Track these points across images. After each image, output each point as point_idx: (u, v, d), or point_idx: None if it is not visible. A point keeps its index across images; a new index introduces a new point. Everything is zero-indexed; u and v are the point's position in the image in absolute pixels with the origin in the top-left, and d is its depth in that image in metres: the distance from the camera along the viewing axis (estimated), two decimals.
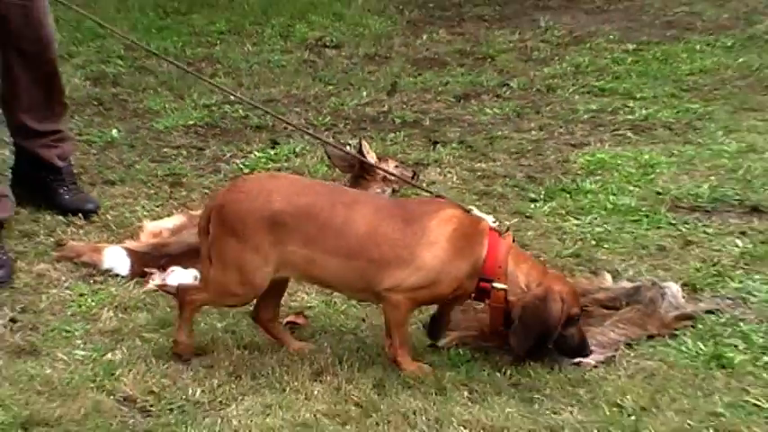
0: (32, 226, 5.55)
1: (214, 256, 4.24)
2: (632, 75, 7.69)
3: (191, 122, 6.75)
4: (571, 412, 4.08)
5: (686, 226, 5.57)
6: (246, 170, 6.25)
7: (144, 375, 4.31)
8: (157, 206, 5.84)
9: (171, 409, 4.12)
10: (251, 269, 4.15)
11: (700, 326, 4.64)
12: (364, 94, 7.39)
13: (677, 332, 4.60)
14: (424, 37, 8.56)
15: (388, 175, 5.53)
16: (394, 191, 5.62)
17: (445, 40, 8.51)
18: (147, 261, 5.12)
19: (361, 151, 5.47)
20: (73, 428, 3.98)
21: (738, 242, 5.38)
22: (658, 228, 5.57)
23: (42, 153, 5.47)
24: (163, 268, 5.07)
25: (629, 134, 6.75)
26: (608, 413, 4.06)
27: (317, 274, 4.29)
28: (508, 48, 8.29)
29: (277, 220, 4.12)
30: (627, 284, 4.84)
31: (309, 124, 6.48)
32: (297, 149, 6.39)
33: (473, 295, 4.27)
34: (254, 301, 4.47)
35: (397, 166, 5.67)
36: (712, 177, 6.09)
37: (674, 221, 5.61)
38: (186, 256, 5.05)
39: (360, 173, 5.52)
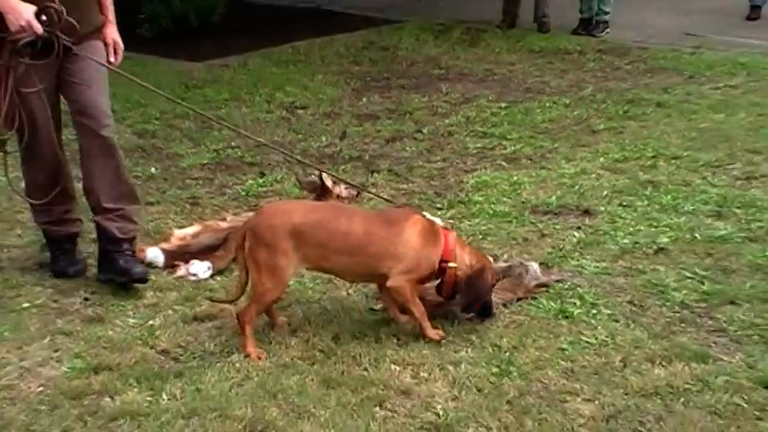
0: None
1: (251, 266, 4.19)
2: (504, 123, 7.73)
3: (204, 161, 6.81)
4: (466, 351, 4.25)
5: (541, 224, 5.69)
6: (243, 193, 6.29)
7: (174, 335, 4.46)
8: (182, 219, 5.85)
9: (193, 357, 4.25)
10: (280, 269, 4.15)
11: (551, 291, 4.80)
12: (324, 139, 7.44)
13: (536, 295, 4.74)
14: (364, 100, 8.54)
15: (340, 194, 5.65)
16: (350, 203, 5.69)
17: (378, 101, 8.49)
18: (176, 256, 5.21)
19: (321, 178, 5.57)
20: (127, 372, 4.11)
21: (576, 234, 5.53)
22: (523, 225, 5.69)
23: (105, 225, 4.96)
24: (186, 261, 5.14)
25: (503, 163, 6.82)
26: (491, 351, 4.24)
27: (329, 267, 4.33)
28: (421, 106, 8.28)
29: (296, 231, 4.15)
30: (503, 264, 4.91)
31: (286, 161, 6.50)
32: (278, 178, 6.50)
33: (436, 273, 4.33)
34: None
35: (346, 188, 5.75)
36: (558, 191, 6.21)
37: (533, 221, 5.73)
38: (202, 253, 5.18)
39: (321, 193, 5.59)
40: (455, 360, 4.14)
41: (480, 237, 5.48)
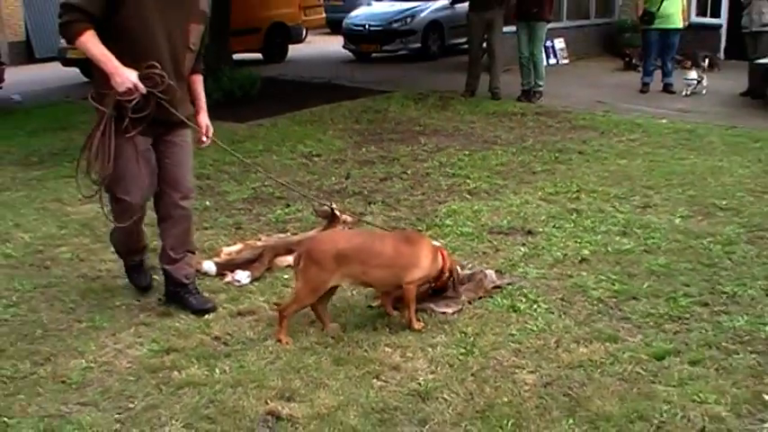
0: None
1: (300, 278, 4.16)
2: (468, 166, 7.73)
3: (245, 196, 6.83)
4: (441, 337, 4.29)
5: (496, 241, 5.66)
6: (274, 220, 6.25)
7: (224, 325, 4.47)
8: (229, 240, 5.83)
9: (238, 342, 4.26)
10: (322, 283, 4.12)
11: (503, 291, 4.78)
12: (333, 179, 7.44)
13: (493, 295, 4.72)
14: (363, 149, 8.52)
15: (346, 221, 5.64)
16: (350, 228, 5.65)
17: (374, 151, 8.48)
18: (224, 267, 5.18)
19: (332, 208, 5.57)
20: (190, 353, 4.16)
21: (521, 249, 5.51)
22: (482, 243, 5.66)
23: (172, 272, 4.69)
24: (232, 271, 5.12)
25: (467, 196, 6.81)
26: (459, 336, 4.25)
27: (367, 280, 4.24)
28: (405, 154, 8.28)
29: (341, 254, 4.11)
30: (468, 271, 4.92)
31: (303, 195, 6.50)
32: (299, 208, 6.49)
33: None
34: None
35: (350, 216, 5.75)
36: (508, 216, 6.19)
37: (490, 239, 5.71)
38: (244, 265, 5.16)
39: (331, 219, 5.56)
40: (432, 343, 4.15)
41: (450, 251, 5.39)
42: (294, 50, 18.46)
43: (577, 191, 6.81)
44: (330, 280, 4.13)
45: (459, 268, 4.79)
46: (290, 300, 4.25)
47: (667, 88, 12.07)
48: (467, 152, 8.33)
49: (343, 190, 7.08)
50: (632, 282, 4.90)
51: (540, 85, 11.54)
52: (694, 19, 14.73)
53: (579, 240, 5.61)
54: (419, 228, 5.97)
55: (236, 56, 14.00)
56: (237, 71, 12.23)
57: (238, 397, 3.71)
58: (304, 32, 20.15)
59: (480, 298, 4.65)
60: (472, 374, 3.85)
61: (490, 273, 4.86)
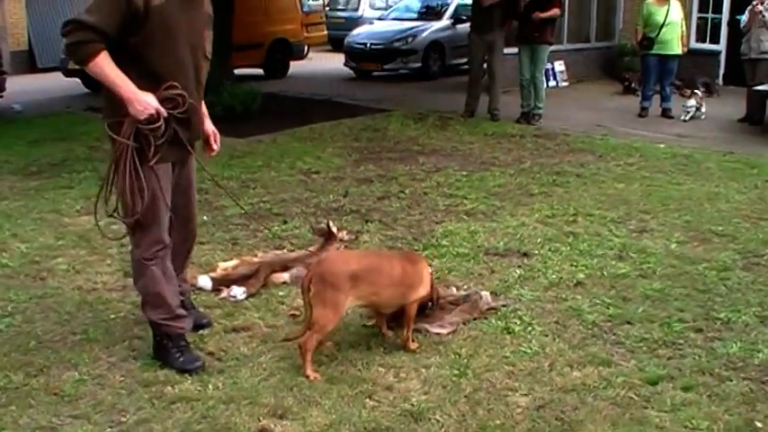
0: None
1: (316, 303, 3.97)
2: (465, 187, 7.73)
3: (242, 212, 6.71)
4: (435, 357, 4.27)
5: (491, 263, 5.66)
6: (271, 236, 6.21)
7: (218, 341, 4.46)
8: (225, 255, 5.83)
9: (232, 358, 4.26)
10: (340, 305, 4.02)
11: (498, 313, 4.78)
12: (331, 196, 7.43)
13: (487, 316, 4.71)
14: (362, 167, 8.53)
15: (342, 239, 5.65)
16: (345, 246, 5.65)
17: (372, 169, 8.49)
18: (220, 283, 5.18)
19: (329, 226, 5.58)
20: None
21: (517, 271, 5.50)
22: (478, 264, 5.66)
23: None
24: (228, 286, 5.11)
25: (464, 217, 6.81)
26: (453, 357, 4.23)
27: (376, 300, 4.18)
28: (404, 173, 8.29)
29: (354, 275, 4.03)
30: (462, 292, 4.93)
31: (303, 213, 6.51)
32: (296, 225, 6.49)
33: None
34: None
35: (347, 234, 5.76)
36: (504, 238, 6.19)
37: (486, 261, 5.70)
38: (240, 280, 5.14)
39: (328, 237, 5.56)
40: (426, 364, 4.15)
41: (446, 271, 5.47)
42: (295, 67, 18.52)
43: (574, 214, 6.81)
44: (346, 302, 4.02)
45: (453, 289, 4.82)
46: (311, 331, 4.02)
47: (666, 113, 12.12)
48: (465, 173, 8.34)
49: (340, 208, 7.07)
50: (627, 306, 4.90)
51: (540, 108, 11.57)
52: (694, 45, 14.80)
53: (575, 264, 5.61)
54: (416, 248, 5.96)
55: (238, 71, 14.05)
56: (238, 86, 12.26)
57: (231, 413, 3.70)
58: (306, 49, 20.22)
59: (475, 319, 4.64)
60: (465, 396, 3.84)
61: (485, 294, 4.86)
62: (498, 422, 3.63)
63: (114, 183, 3.93)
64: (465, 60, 13.63)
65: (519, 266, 5.58)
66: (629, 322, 4.68)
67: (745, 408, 3.76)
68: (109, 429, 3.62)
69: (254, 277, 5.16)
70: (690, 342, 4.43)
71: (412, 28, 17.50)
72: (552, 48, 11.90)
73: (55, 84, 16.64)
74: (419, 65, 17.05)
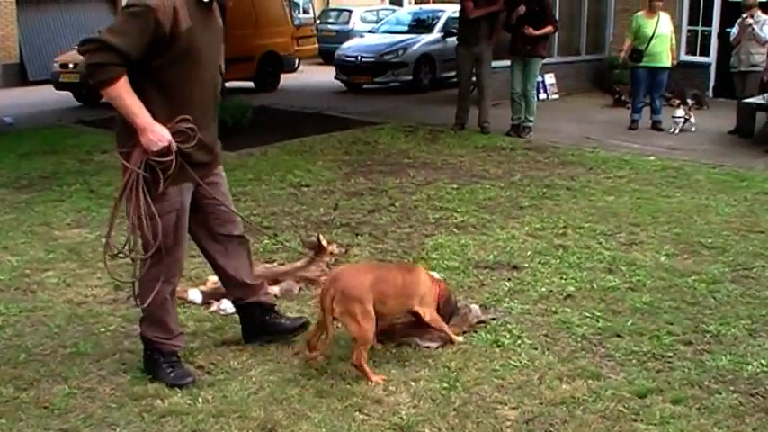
0: None
1: (348, 320, 4.05)
2: (455, 200, 7.75)
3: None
4: (424, 371, 4.27)
5: (481, 276, 5.66)
6: (261, 249, 6.20)
7: (208, 354, 4.46)
8: None
9: (222, 372, 4.26)
10: (370, 313, 4.08)
11: (488, 326, 4.78)
12: (321, 210, 7.43)
13: (477, 330, 4.71)
14: (352, 181, 8.55)
15: (333, 252, 5.64)
16: (336, 260, 5.64)
17: (363, 182, 8.51)
18: (210, 296, 5.16)
19: (319, 240, 5.58)
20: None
21: (507, 284, 5.51)
22: (468, 277, 5.67)
23: (263, 299, 4.52)
24: (218, 300, 5.09)
25: (454, 230, 6.82)
26: (442, 371, 4.25)
27: (382, 309, 4.21)
28: (394, 186, 8.30)
29: (372, 285, 4.12)
30: None
31: (294, 226, 6.51)
32: (287, 238, 6.46)
33: None
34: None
35: (337, 247, 5.76)
36: (494, 251, 6.20)
37: (475, 274, 5.71)
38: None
39: (318, 250, 5.56)
40: (415, 377, 4.15)
41: None
42: (286, 80, 18.56)
43: (564, 227, 6.83)
44: (373, 310, 4.08)
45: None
46: (356, 346, 4.08)
47: (656, 125, 12.18)
48: (455, 186, 8.36)
49: (330, 221, 7.08)
50: (616, 319, 4.92)
51: (531, 121, 11.62)
52: (684, 57, 14.90)
53: (564, 276, 5.63)
54: (405, 261, 5.97)
55: (228, 84, 14.07)
56: (229, 99, 12.25)
57: (221, 427, 3.70)
58: (296, 62, 20.27)
59: (465, 332, 4.64)
60: (454, 409, 3.84)
61: (475, 307, 4.86)
62: None
63: (125, 212, 3.88)
64: (455, 73, 13.66)
65: (509, 279, 5.59)
66: (618, 335, 4.69)
67: (734, 421, 3.77)
68: None
69: None
70: (679, 355, 4.45)
71: (403, 41, 17.57)
72: (543, 60, 11.94)
73: (46, 97, 16.65)
74: (410, 78, 17.11)
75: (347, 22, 26.00)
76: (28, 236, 6.67)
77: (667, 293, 5.33)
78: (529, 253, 6.14)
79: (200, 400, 3.93)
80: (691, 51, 15.83)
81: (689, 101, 12.87)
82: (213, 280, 5.33)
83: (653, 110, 12.22)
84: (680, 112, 12.00)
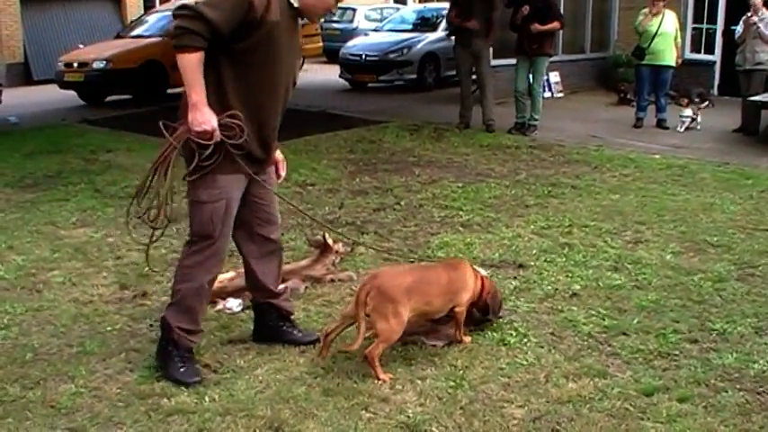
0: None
1: (378, 316, 4.07)
2: (461, 198, 7.75)
3: None
4: (431, 369, 4.28)
5: (488, 274, 5.59)
6: None
7: (214, 353, 4.46)
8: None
9: (228, 370, 4.26)
10: (402, 316, 4.11)
11: (494, 325, 4.76)
12: (327, 208, 7.45)
13: (483, 328, 4.71)
14: (357, 179, 8.56)
15: (338, 250, 5.65)
16: (342, 259, 5.64)
17: (368, 181, 8.52)
18: (216, 295, 5.07)
19: (325, 238, 5.59)
20: None
21: (513, 282, 5.51)
22: None
23: (282, 305, 4.55)
24: (224, 298, 5.09)
25: (460, 228, 6.82)
26: (449, 369, 4.26)
27: (428, 309, 4.29)
28: (399, 185, 8.31)
29: (409, 288, 4.15)
30: None
31: (299, 225, 6.52)
32: (292, 237, 6.48)
33: None
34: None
35: (343, 246, 5.77)
36: (500, 250, 6.20)
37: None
38: (236, 293, 5.11)
39: (324, 249, 5.57)
40: (422, 376, 4.16)
41: None
42: None
43: (569, 225, 6.83)
44: (406, 313, 4.11)
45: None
46: (377, 341, 4.10)
47: (661, 124, 12.17)
48: (460, 184, 8.36)
49: (336, 220, 7.08)
50: (622, 317, 4.92)
51: (536, 119, 11.62)
52: (689, 55, 14.89)
53: (570, 275, 5.63)
54: (411, 259, 5.99)
55: None
56: None
57: (227, 425, 3.71)
58: (301, 61, 20.24)
59: (471, 331, 4.64)
60: (461, 408, 3.84)
61: None
62: None
63: (159, 182, 3.93)
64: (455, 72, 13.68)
65: (514, 278, 5.59)
66: (624, 333, 4.69)
67: (740, 419, 3.77)
68: None
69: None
70: (685, 353, 4.45)
71: (407, 39, 17.58)
72: (550, 59, 11.92)
73: (50, 96, 16.68)
74: (414, 76, 17.12)
75: (351, 21, 25.99)
76: (33, 235, 6.68)
77: (673, 292, 5.33)
78: (534, 251, 6.14)
79: (206, 398, 3.93)
80: (695, 49, 15.81)
81: (696, 100, 12.86)
82: (219, 279, 5.29)
83: (658, 108, 12.21)
84: (688, 111, 11.99)
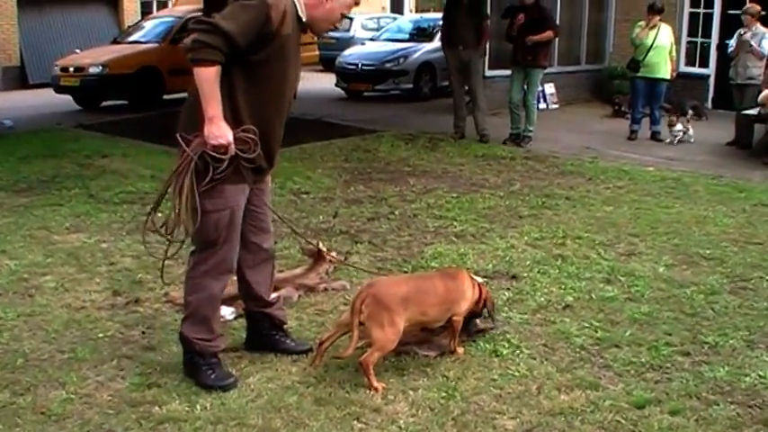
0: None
1: (373, 324, 4.06)
2: (455, 209, 7.75)
3: None
4: (423, 380, 4.26)
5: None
6: None
7: None
8: None
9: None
10: (397, 324, 4.10)
11: (487, 336, 4.76)
12: (321, 217, 7.43)
13: (476, 339, 4.69)
14: (352, 189, 8.55)
15: (331, 260, 5.63)
16: (335, 269, 5.62)
17: (362, 190, 8.52)
18: None
19: (318, 247, 5.57)
20: (172, 388, 4.16)
21: (506, 293, 5.51)
22: None
23: (275, 314, 4.52)
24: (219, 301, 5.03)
25: (453, 239, 6.81)
26: (441, 380, 4.24)
27: (425, 319, 4.30)
28: (394, 194, 8.30)
29: (406, 297, 4.15)
30: None
31: (293, 232, 6.50)
32: (286, 246, 6.44)
33: None
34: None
35: (336, 255, 5.75)
36: (493, 260, 6.20)
37: None
38: (228, 301, 4.95)
39: (317, 258, 5.55)
40: (414, 386, 4.14)
41: None
42: None
43: (563, 237, 6.83)
44: (401, 322, 4.11)
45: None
46: (372, 349, 4.10)
47: (655, 136, 12.21)
48: (454, 194, 8.36)
49: (330, 228, 7.07)
50: (615, 329, 4.92)
51: (531, 131, 11.64)
52: (683, 68, 14.93)
53: (563, 286, 5.63)
54: (404, 269, 5.98)
55: None
56: None
57: None
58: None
59: (463, 342, 4.62)
60: (453, 419, 3.83)
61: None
62: None
63: (179, 196, 3.88)
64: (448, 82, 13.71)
65: (508, 289, 5.58)
66: (616, 345, 4.69)
67: None
68: None
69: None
70: (677, 366, 4.45)
71: (403, 49, 17.61)
72: (545, 71, 11.95)
73: (46, 100, 16.66)
74: (410, 86, 17.15)
75: (348, 30, 26.00)
76: (26, 240, 6.65)
77: (666, 304, 5.33)
78: (528, 262, 6.14)
79: (198, 407, 3.91)
80: (690, 63, 15.86)
81: (689, 112, 12.91)
82: None
83: (652, 120, 12.25)
84: (678, 126, 12.02)
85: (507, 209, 7.84)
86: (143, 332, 4.81)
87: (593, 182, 9.16)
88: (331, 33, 25.46)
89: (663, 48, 11.87)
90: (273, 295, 4.64)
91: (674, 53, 12.22)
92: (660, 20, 11.89)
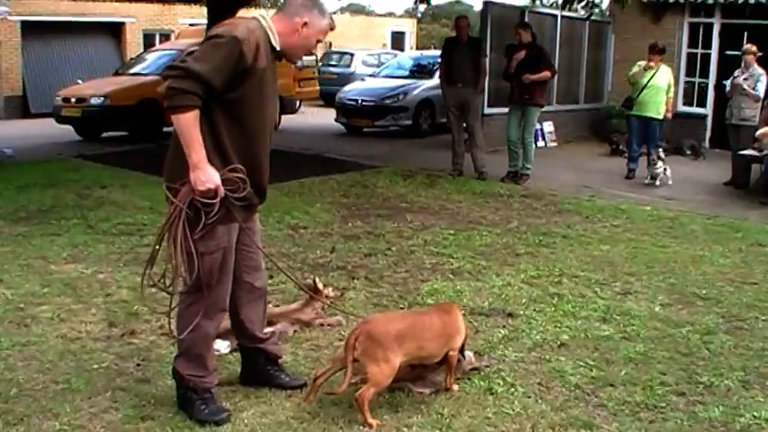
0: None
1: (368, 361, 4.06)
2: (452, 246, 7.74)
3: None
4: (417, 417, 4.24)
5: (476, 322, 5.62)
6: None
7: None
8: None
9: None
10: (392, 361, 4.10)
11: (481, 373, 4.76)
12: (318, 252, 7.42)
13: (471, 376, 4.69)
14: (349, 224, 8.54)
15: (328, 295, 5.62)
16: (330, 305, 5.61)
17: (360, 226, 8.51)
18: None
19: (315, 282, 5.57)
20: (165, 421, 4.15)
21: (501, 331, 5.49)
22: None
23: (270, 349, 4.51)
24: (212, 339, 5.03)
25: (450, 275, 6.82)
26: (435, 417, 4.21)
27: (421, 354, 4.30)
28: (391, 230, 8.30)
29: (400, 333, 4.16)
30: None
31: (290, 268, 6.52)
32: (283, 280, 6.38)
33: None
34: None
35: (333, 291, 5.74)
36: (490, 298, 6.19)
37: (470, 320, 5.63)
38: (224, 334, 4.90)
39: (313, 293, 5.53)
40: (408, 423, 4.12)
41: None
42: (287, 121, 18.65)
43: (559, 275, 6.84)
44: (396, 359, 4.11)
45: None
46: (368, 385, 4.09)
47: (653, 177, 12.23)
48: (452, 231, 8.37)
49: (327, 263, 7.06)
50: (610, 368, 4.91)
51: (528, 168, 11.69)
52: (681, 108, 15.06)
53: (559, 325, 5.63)
54: (400, 305, 5.98)
55: None
56: None
57: None
58: (298, 104, 20.39)
59: (458, 379, 4.62)
60: None
61: (468, 354, 4.80)
62: None
63: (174, 250, 3.83)
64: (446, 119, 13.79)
65: (503, 327, 5.58)
66: (611, 384, 4.69)
67: None
68: None
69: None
70: (672, 406, 4.44)
71: (403, 86, 17.74)
72: (542, 109, 12.03)
73: (47, 130, 16.74)
74: (410, 122, 17.24)
75: (349, 66, 26.24)
76: (24, 269, 6.66)
77: (661, 344, 5.33)
78: (524, 300, 6.14)
79: None
80: (688, 102, 16.00)
81: (686, 152, 12.95)
82: None
83: (649, 161, 12.28)
84: (659, 164, 11.84)
85: (504, 246, 7.85)
86: (138, 364, 4.80)
87: (590, 220, 9.19)
88: (332, 69, 25.74)
89: (658, 88, 11.95)
90: (268, 330, 4.64)
91: (671, 94, 12.31)
92: (661, 60, 12.00)
